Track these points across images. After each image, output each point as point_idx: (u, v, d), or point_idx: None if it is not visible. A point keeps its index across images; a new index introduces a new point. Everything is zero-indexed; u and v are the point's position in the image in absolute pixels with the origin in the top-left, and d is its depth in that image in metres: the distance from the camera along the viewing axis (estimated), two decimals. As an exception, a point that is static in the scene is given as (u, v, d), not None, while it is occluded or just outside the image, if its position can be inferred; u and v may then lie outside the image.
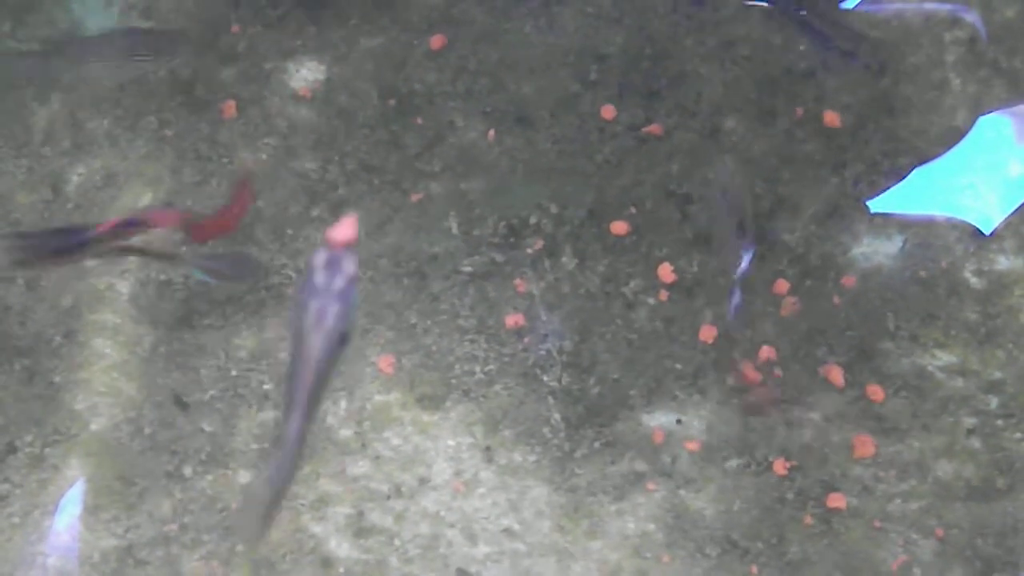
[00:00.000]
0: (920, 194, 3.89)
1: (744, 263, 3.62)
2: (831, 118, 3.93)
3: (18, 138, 4.11)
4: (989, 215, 3.84)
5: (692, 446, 3.68)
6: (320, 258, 2.41)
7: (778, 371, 3.73)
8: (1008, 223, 3.84)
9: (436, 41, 4.10)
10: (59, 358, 3.86)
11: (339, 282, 2.40)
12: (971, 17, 4.00)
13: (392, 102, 4.05)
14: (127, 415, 3.79)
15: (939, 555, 3.56)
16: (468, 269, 3.87)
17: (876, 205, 3.87)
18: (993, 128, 3.95)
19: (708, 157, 3.92)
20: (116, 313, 3.90)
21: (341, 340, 2.45)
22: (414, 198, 3.95)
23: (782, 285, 3.79)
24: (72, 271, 3.88)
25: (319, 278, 2.40)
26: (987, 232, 3.82)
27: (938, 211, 3.86)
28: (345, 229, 2.40)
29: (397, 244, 3.91)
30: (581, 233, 3.88)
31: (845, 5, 4.04)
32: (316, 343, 2.43)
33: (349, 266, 2.40)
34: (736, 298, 3.70)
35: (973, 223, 3.83)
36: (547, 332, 3.79)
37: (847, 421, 3.68)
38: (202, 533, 3.67)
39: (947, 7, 4.03)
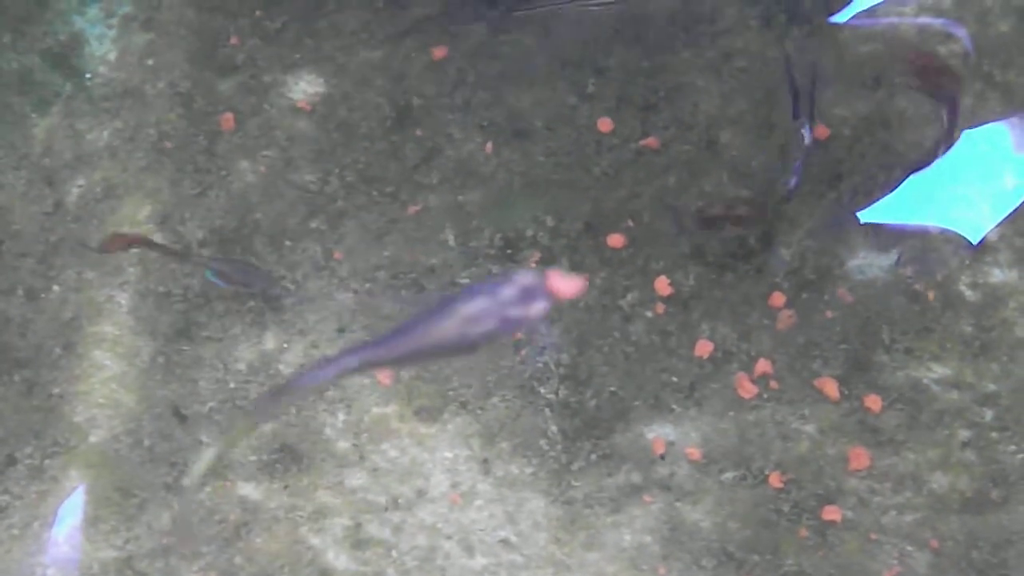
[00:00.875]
0: (913, 205, 3.91)
1: (805, 142, 3.64)
2: (821, 131, 3.94)
3: (18, 149, 4.13)
4: (980, 225, 3.86)
5: (689, 458, 3.70)
6: (527, 279, 2.36)
7: (774, 383, 3.75)
8: (1002, 235, 3.86)
9: (436, 53, 4.12)
10: (59, 370, 3.88)
11: (516, 311, 2.36)
12: (960, 32, 4.02)
13: (391, 114, 4.07)
14: (126, 427, 3.81)
15: (934, 567, 3.58)
16: (465, 281, 3.89)
17: (869, 216, 3.89)
18: (988, 139, 3.97)
19: (705, 170, 3.94)
20: (115, 325, 3.91)
21: (469, 348, 2.42)
22: (412, 210, 3.97)
23: (778, 298, 3.81)
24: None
25: (508, 292, 2.36)
26: (975, 242, 3.84)
27: (931, 222, 3.88)
28: (573, 285, 2.36)
29: (395, 256, 3.93)
30: (578, 246, 3.90)
31: (838, 19, 4.06)
32: (452, 331, 2.39)
33: (536, 309, 2.36)
34: (795, 179, 3.68)
35: (963, 233, 3.84)
36: (544, 345, 3.81)
37: (842, 434, 3.70)
38: (201, 545, 3.69)
39: (940, 21, 4.05)
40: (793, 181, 3.76)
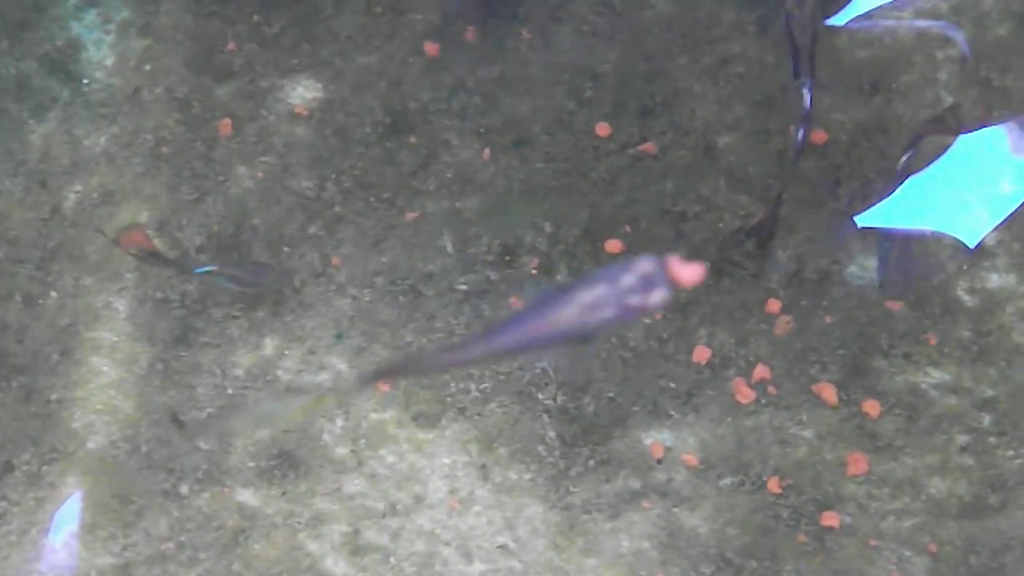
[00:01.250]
0: (911, 210, 3.91)
1: (806, 103, 3.62)
2: (818, 136, 3.94)
3: (16, 156, 4.12)
4: (977, 230, 3.86)
5: (686, 464, 3.70)
6: (647, 266, 2.33)
7: (773, 389, 3.75)
8: (1000, 241, 3.86)
9: (431, 53, 4.12)
10: (56, 376, 3.88)
11: (636, 298, 2.32)
12: (957, 36, 4.02)
13: (388, 120, 4.06)
14: (124, 433, 3.80)
15: (932, 572, 3.58)
16: (463, 287, 3.89)
17: (866, 220, 3.89)
18: (986, 144, 3.96)
19: (702, 175, 3.94)
20: (113, 331, 3.91)
21: (586, 336, 2.39)
22: (409, 216, 3.97)
23: (774, 304, 3.81)
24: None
25: (628, 279, 2.32)
26: (972, 247, 3.84)
27: (929, 226, 3.88)
28: (693, 272, 2.33)
29: (392, 262, 3.93)
30: (576, 252, 3.90)
31: (836, 22, 4.06)
32: (570, 318, 2.36)
33: (656, 297, 2.32)
34: (801, 138, 3.66)
35: (959, 238, 3.84)
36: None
37: (841, 439, 3.70)
38: (199, 551, 3.69)
39: (937, 25, 4.05)
40: (799, 142, 3.69)
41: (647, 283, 2.33)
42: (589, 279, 2.38)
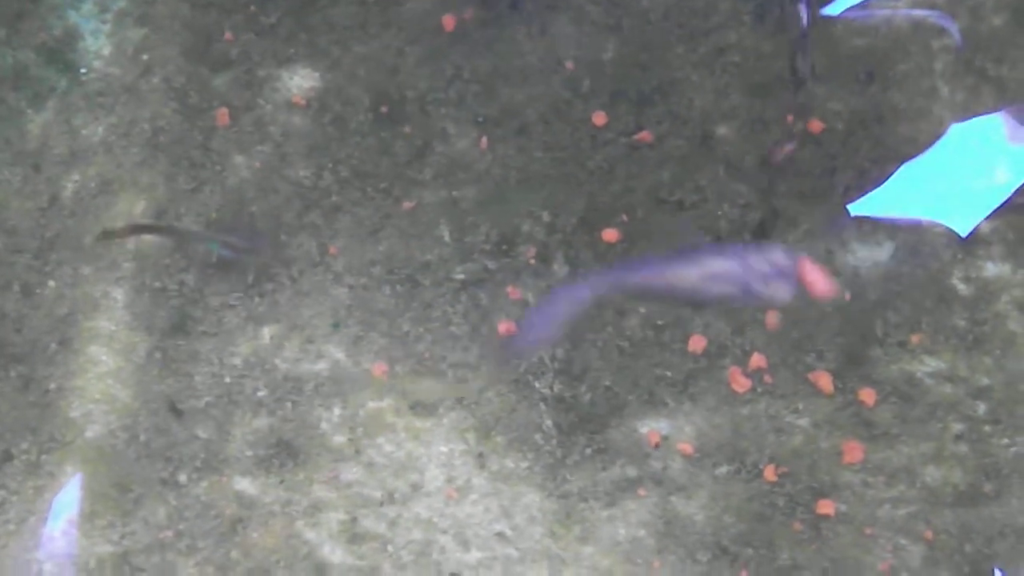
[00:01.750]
0: (905, 198, 3.92)
1: (803, 23, 3.61)
2: (815, 125, 3.95)
3: (13, 145, 4.13)
4: (970, 219, 3.87)
5: (682, 453, 3.71)
6: (782, 258, 2.29)
7: (768, 377, 3.76)
8: (995, 230, 3.87)
9: (427, 42, 4.12)
10: (55, 365, 3.89)
11: (760, 285, 2.29)
12: (950, 25, 4.02)
13: (384, 109, 4.07)
14: (122, 422, 3.82)
15: (927, 560, 3.60)
16: (460, 276, 3.90)
17: (861, 208, 3.90)
18: (981, 133, 3.97)
19: (698, 164, 3.95)
20: (111, 320, 3.92)
21: (698, 303, 2.36)
22: (406, 205, 3.98)
23: (771, 293, 3.82)
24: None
25: (758, 263, 2.28)
26: (964, 235, 3.85)
27: (923, 215, 3.89)
28: (826, 285, 2.32)
29: (390, 251, 3.94)
30: (573, 240, 3.91)
31: (831, 11, 4.06)
32: (690, 280, 2.32)
33: (781, 291, 2.29)
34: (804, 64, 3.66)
35: (951, 227, 3.85)
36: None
37: (836, 427, 3.72)
38: (197, 539, 3.70)
39: (931, 14, 4.05)
40: (801, 65, 3.68)
41: (776, 274, 2.30)
42: (722, 249, 2.35)
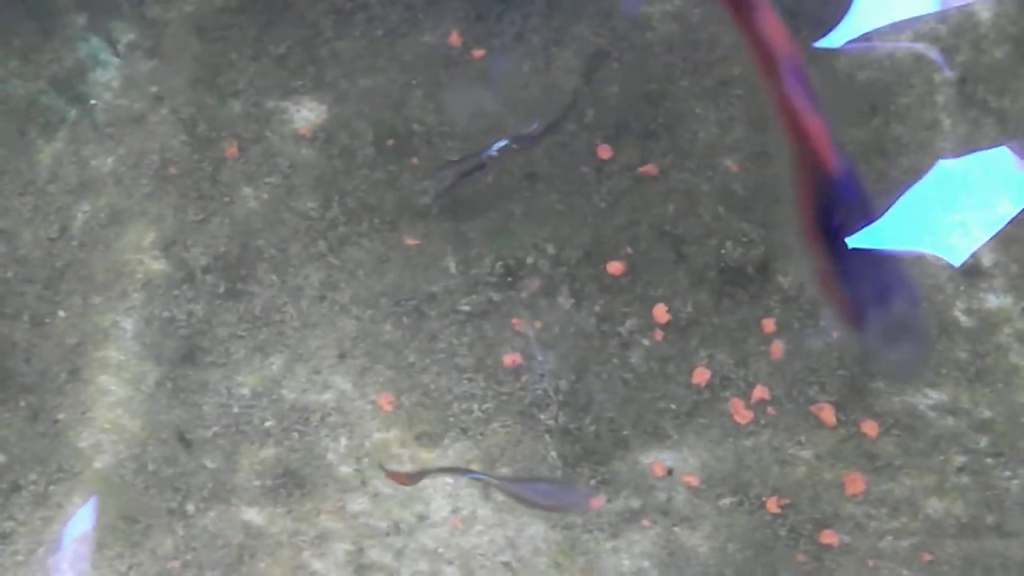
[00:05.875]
0: (900, 230, 3.94)
1: None
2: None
3: (24, 175, 4.17)
4: (964, 249, 3.89)
5: (687, 484, 3.74)
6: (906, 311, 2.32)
7: (771, 409, 3.79)
8: (997, 262, 3.90)
9: (433, 77, 4.16)
10: (64, 395, 3.92)
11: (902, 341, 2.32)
12: (938, 57, 4.05)
13: (391, 142, 4.11)
14: (131, 452, 3.85)
15: (929, 592, 3.63)
16: (466, 308, 3.93)
17: (858, 241, 3.92)
18: (984, 166, 4.00)
19: (703, 198, 3.98)
20: (120, 350, 3.96)
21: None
22: (413, 237, 4.01)
23: (769, 325, 3.85)
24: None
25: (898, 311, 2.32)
26: (958, 265, 3.87)
27: (918, 247, 3.91)
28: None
29: (396, 283, 3.97)
30: (577, 273, 3.94)
31: (831, 44, 4.09)
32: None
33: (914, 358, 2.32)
34: None
35: (945, 257, 3.88)
36: (544, 371, 3.85)
37: (839, 459, 3.74)
38: (205, 570, 3.73)
39: (919, 47, 4.08)
40: None
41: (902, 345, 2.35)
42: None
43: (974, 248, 3.87)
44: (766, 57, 2.43)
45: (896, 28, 4.12)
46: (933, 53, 4.05)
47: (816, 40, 4.08)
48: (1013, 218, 3.86)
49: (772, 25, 2.45)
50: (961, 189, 3.96)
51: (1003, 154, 4.00)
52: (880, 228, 3.87)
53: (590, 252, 3.95)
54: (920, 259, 3.91)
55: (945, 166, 3.97)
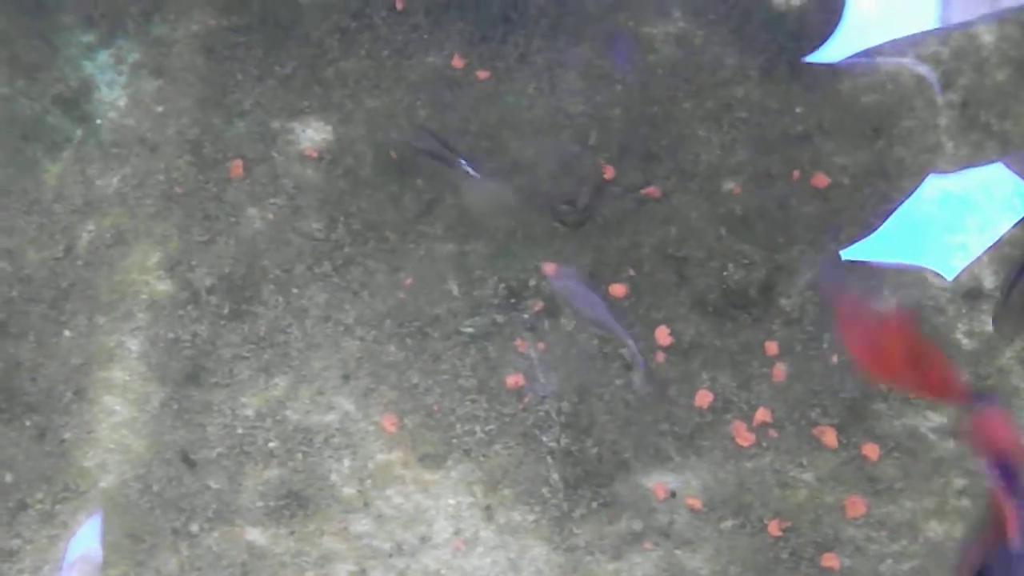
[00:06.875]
0: (895, 244, 3.95)
1: None
2: (819, 180, 4.00)
3: (29, 195, 4.19)
4: (956, 263, 3.91)
5: (689, 507, 3.76)
6: None
7: (773, 432, 3.80)
8: (998, 285, 3.91)
9: (437, 98, 4.18)
10: (69, 415, 3.95)
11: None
12: (930, 76, 4.07)
13: (395, 163, 4.12)
14: (136, 472, 3.87)
15: (930, 615, 3.64)
16: (469, 330, 3.95)
17: (853, 254, 3.94)
18: (985, 186, 4.02)
19: (705, 220, 4.00)
20: (125, 370, 3.98)
21: None
22: (416, 259, 4.03)
23: (772, 348, 3.86)
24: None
25: None
26: (949, 278, 3.89)
27: (912, 261, 3.92)
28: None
29: (400, 304, 3.99)
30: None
31: (832, 60, 4.10)
32: None
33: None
34: None
35: (938, 271, 3.89)
36: (546, 393, 3.87)
37: (840, 482, 3.76)
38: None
39: (910, 64, 4.09)
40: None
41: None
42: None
43: (968, 262, 3.88)
44: (989, 445, 2.61)
45: (895, 46, 4.13)
46: (929, 78, 4.06)
47: (807, 54, 4.10)
48: (1007, 231, 3.88)
49: (999, 424, 2.65)
50: (948, 206, 3.98)
51: (1000, 170, 4.02)
52: (874, 242, 3.89)
53: (592, 273, 3.97)
54: (922, 281, 3.93)
55: (943, 185, 3.99)
